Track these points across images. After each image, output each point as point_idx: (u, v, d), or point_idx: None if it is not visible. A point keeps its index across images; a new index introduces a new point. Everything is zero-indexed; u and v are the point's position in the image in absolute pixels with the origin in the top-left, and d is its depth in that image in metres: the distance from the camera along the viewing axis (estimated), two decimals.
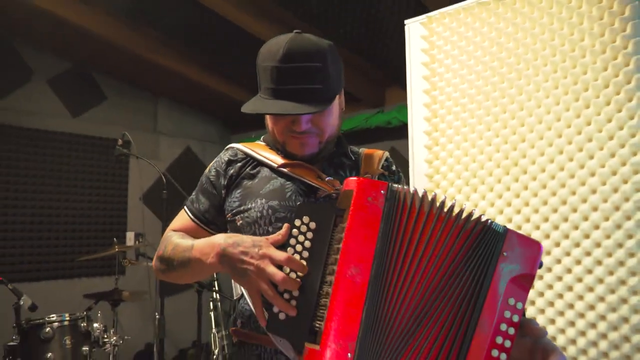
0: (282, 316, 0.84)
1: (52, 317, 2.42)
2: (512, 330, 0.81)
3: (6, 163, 3.60)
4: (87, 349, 2.45)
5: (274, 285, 0.86)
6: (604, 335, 1.36)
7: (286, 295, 0.85)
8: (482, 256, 0.83)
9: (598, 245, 1.38)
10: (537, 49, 1.53)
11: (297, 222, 0.89)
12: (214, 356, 3.67)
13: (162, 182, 3.01)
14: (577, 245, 1.41)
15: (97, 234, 3.97)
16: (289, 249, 0.88)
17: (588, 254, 1.40)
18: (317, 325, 0.81)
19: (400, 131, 3.59)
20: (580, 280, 1.40)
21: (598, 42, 1.40)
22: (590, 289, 1.39)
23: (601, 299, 1.36)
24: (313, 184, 1.05)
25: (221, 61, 3.77)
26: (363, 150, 1.26)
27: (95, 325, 2.54)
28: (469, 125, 1.67)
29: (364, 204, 0.83)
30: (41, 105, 3.81)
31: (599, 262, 1.37)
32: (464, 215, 0.85)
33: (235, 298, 1.11)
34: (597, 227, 1.39)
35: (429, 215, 0.84)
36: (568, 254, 1.43)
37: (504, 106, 1.59)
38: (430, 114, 1.77)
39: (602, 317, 1.36)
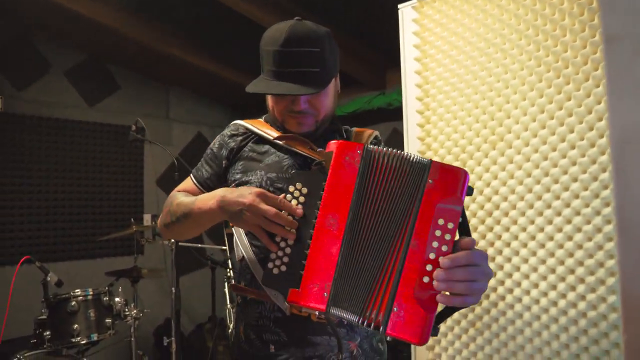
0: (275, 271, 0.91)
1: (77, 292, 2.53)
2: (445, 247, 0.85)
3: (29, 151, 3.70)
4: (110, 320, 2.56)
5: (270, 236, 0.92)
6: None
7: (280, 252, 0.92)
8: (411, 186, 0.88)
9: (577, 213, 1.43)
10: (521, 29, 1.57)
11: (291, 189, 0.95)
12: (230, 330, 3.78)
13: (175, 166, 3.08)
14: (559, 214, 1.47)
15: (116, 216, 4.07)
16: (283, 211, 0.93)
17: (569, 221, 1.45)
18: (303, 276, 0.88)
19: (401, 112, 3.60)
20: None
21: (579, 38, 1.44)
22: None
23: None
24: (305, 154, 1.11)
25: (229, 50, 3.80)
26: (354, 129, 1.31)
27: (117, 299, 2.65)
28: (458, 103, 1.72)
29: (342, 162, 0.89)
30: (59, 96, 3.90)
31: (579, 229, 1.43)
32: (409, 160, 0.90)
33: (237, 260, 1.17)
34: (577, 197, 1.44)
35: (393, 168, 0.90)
36: (550, 222, 1.49)
37: (490, 85, 1.63)
38: (422, 94, 1.82)
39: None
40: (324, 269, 0.86)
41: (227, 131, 1.25)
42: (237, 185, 1.15)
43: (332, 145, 0.92)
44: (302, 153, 1.12)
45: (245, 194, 0.96)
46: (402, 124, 1.97)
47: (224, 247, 3.62)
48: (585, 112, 1.43)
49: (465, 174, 0.88)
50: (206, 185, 1.24)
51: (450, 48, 1.74)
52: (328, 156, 0.92)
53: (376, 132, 1.31)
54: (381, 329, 0.85)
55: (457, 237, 0.89)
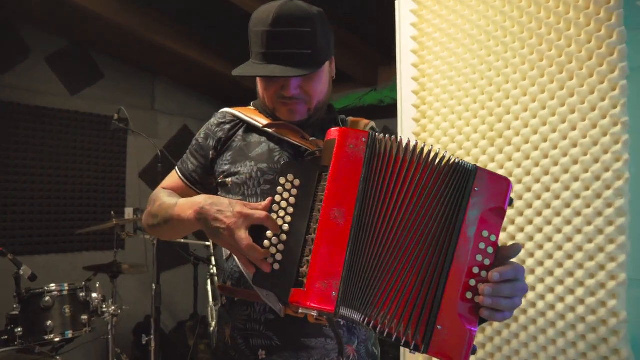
0: (267, 270, 0.85)
1: (52, 286, 2.42)
2: (487, 261, 0.82)
3: (6, 139, 3.56)
4: (86, 317, 2.46)
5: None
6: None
7: (272, 249, 0.86)
8: (455, 192, 0.84)
9: (578, 214, 1.39)
10: (524, 22, 1.51)
11: (282, 180, 0.89)
12: (211, 328, 3.71)
13: (158, 159, 3.00)
14: (559, 214, 1.42)
15: (96, 209, 3.96)
16: (273, 205, 0.89)
17: (569, 222, 1.41)
18: (301, 274, 0.82)
19: (392, 110, 3.54)
20: (556, 243, 1.42)
21: (583, 32, 1.39)
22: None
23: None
24: (297, 144, 1.06)
25: (218, 40, 3.71)
26: (349, 118, 1.25)
27: (94, 295, 2.55)
28: (456, 97, 1.66)
29: (346, 150, 0.84)
30: (39, 83, 3.76)
31: (579, 231, 1.39)
32: (437, 158, 0.86)
33: (224, 258, 1.11)
34: (577, 197, 1.40)
35: (405, 160, 0.86)
36: (549, 222, 1.44)
37: (490, 79, 1.58)
38: (419, 87, 1.76)
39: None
40: (330, 265, 0.80)
41: (214, 120, 1.19)
42: (226, 177, 1.10)
43: (334, 132, 0.87)
44: (294, 142, 1.07)
45: (226, 211, 0.89)
46: (394, 122, 1.91)
47: (207, 243, 3.58)
48: (588, 109, 1.39)
49: (510, 183, 0.85)
50: (192, 179, 1.18)
51: (448, 40, 1.69)
52: (330, 144, 0.86)
53: (372, 123, 1.25)
54: (422, 348, 0.80)
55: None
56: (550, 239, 1.43)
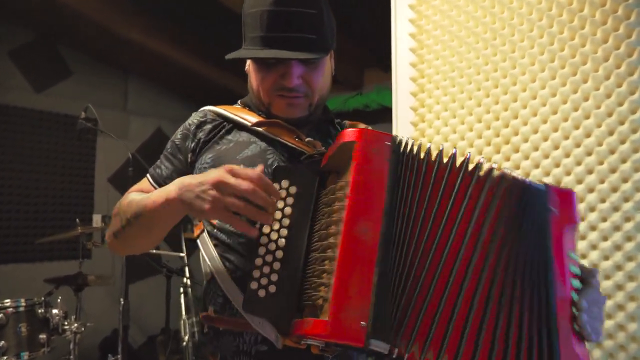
0: (261, 293, 0.77)
1: (7, 302, 2.23)
2: (577, 283, 0.79)
3: None
4: (45, 336, 2.26)
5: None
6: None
7: (266, 269, 0.77)
8: (534, 217, 0.79)
9: (593, 228, 1.28)
10: (533, 19, 1.41)
11: (275, 187, 0.81)
12: (184, 343, 3.55)
13: (130, 164, 2.85)
14: None
15: (61, 215, 3.74)
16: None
17: (582, 237, 1.30)
18: (306, 299, 0.74)
19: (378, 115, 3.47)
20: None
21: (600, 31, 1.29)
22: None
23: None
24: (291, 145, 0.96)
25: (198, 38, 3.56)
26: (346, 122, 1.19)
27: (55, 311, 2.36)
28: (458, 100, 1.55)
29: (369, 155, 0.76)
30: (1, 79, 3.55)
31: (594, 247, 1.28)
32: (480, 169, 0.80)
33: (205, 281, 0.98)
34: (593, 210, 1.29)
35: (439, 169, 0.79)
36: None
37: (496, 80, 1.47)
38: (417, 89, 1.65)
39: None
40: (358, 290, 0.70)
41: (193, 119, 1.08)
42: None
43: (351, 133, 0.78)
44: (288, 143, 0.97)
45: (211, 173, 0.79)
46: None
47: (181, 254, 3.44)
48: (605, 114, 1.29)
49: (574, 194, 0.83)
50: (165, 185, 1.03)
51: (450, 38, 1.57)
52: (346, 148, 0.78)
53: (370, 128, 1.16)
54: None
55: None
56: None
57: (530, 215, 0.79)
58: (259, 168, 0.80)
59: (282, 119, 1.00)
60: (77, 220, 2.86)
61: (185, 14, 3.28)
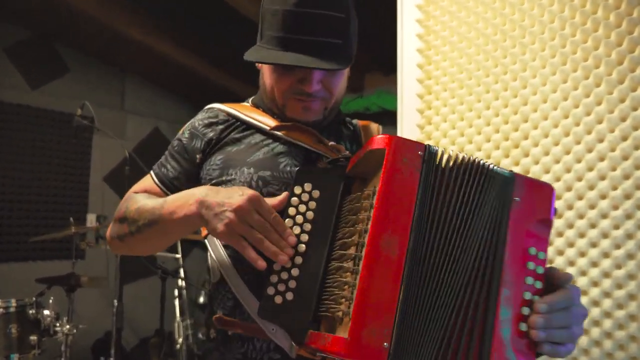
0: (278, 299, 0.75)
1: None
2: (539, 284, 0.73)
3: None
4: (36, 338, 2.20)
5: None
6: (608, 335, 1.23)
7: (284, 275, 0.76)
8: (493, 204, 0.74)
9: (605, 236, 1.25)
10: (545, 20, 1.38)
11: (297, 190, 0.81)
12: (178, 345, 3.50)
13: (126, 163, 2.83)
14: (582, 235, 1.28)
15: (55, 214, 3.68)
16: (286, 220, 0.78)
17: (594, 244, 1.27)
18: (325, 310, 0.72)
19: (378, 117, 3.44)
20: (584, 274, 1.27)
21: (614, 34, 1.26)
22: (595, 284, 1.26)
23: (607, 294, 1.23)
24: (314, 149, 0.93)
25: (198, 38, 3.52)
26: (357, 121, 1.16)
27: (46, 312, 2.30)
28: (467, 102, 1.51)
29: (398, 165, 0.72)
30: None
31: (606, 255, 1.24)
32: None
33: (213, 283, 0.96)
34: (605, 217, 1.26)
35: (466, 179, 0.75)
36: (572, 244, 1.30)
37: (505, 83, 1.44)
38: (424, 91, 1.61)
39: (608, 315, 1.23)
40: (381, 307, 0.67)
41: (201, 117, 1.04)
42: (215, 186, 0.94)
43: (381, 140, 0.74)
44: (309, 147, 0.94)
45: (235, 195, 0.78)
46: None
47: (177, 255, 3.44)
48: (618, 119, 1.25)
49: (553, 189, 0.76)
50: (172, 187, 1.01)
51: (459, 40, 1.54)
52: (375, 155, 0.74)
53: (381, 128, 1.17)
54: None
55: None
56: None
57: (492, 202, 0.74)
58: (283, 195, 0.81)
59: (296, 121, 0.96)
60: (71, 219, 2.82)
61: (186, 13, 3.23)
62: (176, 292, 3.36)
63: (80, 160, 3.85)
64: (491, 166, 0.76)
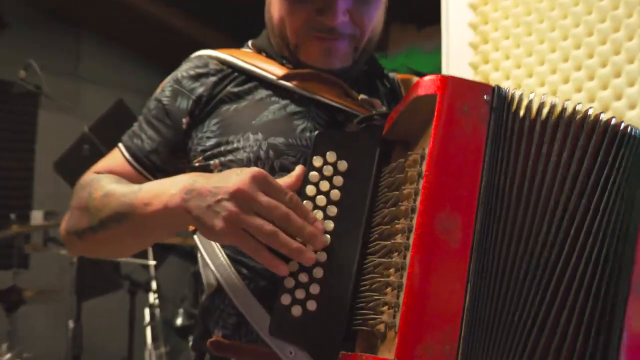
0: (296, 311, 0.76)
1: None
2: None
3: None
4: None
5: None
6: None
7: (303, 277, 0.77)
8: (623, 176, 0.71)
9: None
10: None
11: (318, 162, 0.81)
12: None
13: (83, 145, 2.96)
14: None
15: None
16: (304, 202, 0.78)
17: None
18: (361, 322, 0.73)
19: None
20: None
21: None
22: None
23: None
24: (339, 105, 0.93)
25: None
26: (395, 75, 1.16)
27: None
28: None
29: (457, 116, 0.69)
30: None
31: None
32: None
33: (206, 294, 0.96)
34: None
35: (555, 134, 0.71)
36: None
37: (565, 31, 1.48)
38: (479, 59, 1.65)
39: None
40: (441, 317, 0.65)
41: (186, 68, 1.04)
42: (209, 158, 0.96)
43: (430, 83, 0.71)
44: (333, 103, 0.93)
45: (231, 177, 0.76)
46: None
47: (150, 262, 3.46)
48: None
49: None
50: (150, 165, 1.02)
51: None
52: (424, 104, 0.72)
53: None
54: None
55: None
56: None
57: (621, 173, 0.71)
58: (298, 169, 0.81)
59: (316, 69, 0.95)
60: (12, 216, 2.88)
61: None
62: (147, 312, 3.36)
63: (22, 141, 3.94)
64: (622, 124, 0.71)
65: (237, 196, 0.73)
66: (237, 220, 0.73)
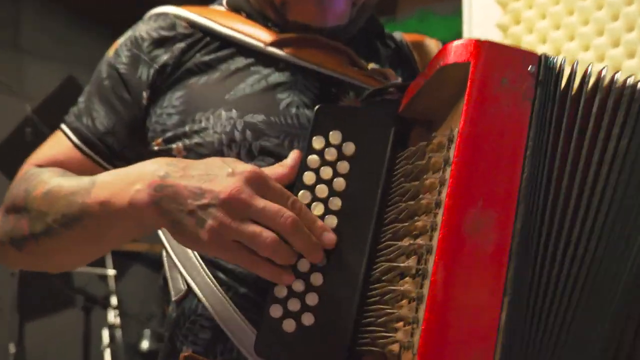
0: (288, 326, 0.77)
1: None
2: None
3: None
4: None
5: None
6: None
7: (298, 285, 0.78)
8: None
9: None
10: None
11: (318, 143, 0.82)
12: None
13: (25, 129, 3.07)
14: None
15: None
16: (300, 193, 0.79)
17: None
18: (369, 341, 0.74)
19: None
20: None
21: None
22: None
23: None
24: (338, 75, 0.96)
25: None
26: (402, 35, 1.19)
27: None
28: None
29: (494, 91, 0.69)
30: None
31: None
32: None
33: (174, 299, 0.96)
34: None
35: (615, 116, 0.71)
36: None
37: None
38: (510, 20, 1.71)
39: None
40: (472, 337, 0.65)
41: (148, 29, 1.04)
42: (170, 141, 0.95)
43: (460, 49, 0.71)
44: (333, 74, 0.95)
45: (220, 174, 0.76)
46: None
47: (110, 272, 3.48)
48: None
49: None
50: (104, 149, 1.01)
51: None
52: (453, 74, 0.71)
53: (440, 44, 1.20)
54: None
55: None
56: None
57: None
58: (293, 156, 0.82)
59: (306, 28, 0.97)
60: None
61: None
62: (106, 333, 3.35)
63: None
64: None
65: (229, 203, 0.73)
66: (228, 233, 0.73)
